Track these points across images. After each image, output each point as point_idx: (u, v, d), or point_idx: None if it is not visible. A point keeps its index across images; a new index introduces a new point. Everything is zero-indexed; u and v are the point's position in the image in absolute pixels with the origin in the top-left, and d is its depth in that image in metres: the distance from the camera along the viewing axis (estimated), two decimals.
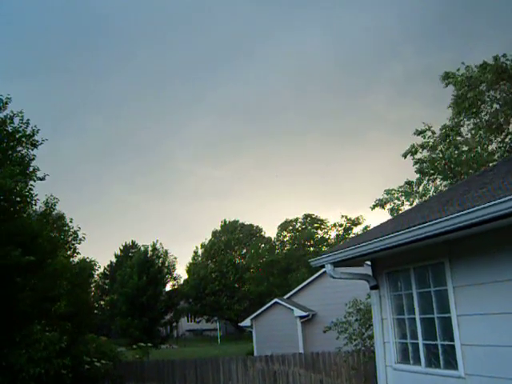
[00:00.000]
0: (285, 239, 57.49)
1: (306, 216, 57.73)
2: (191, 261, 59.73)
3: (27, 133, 16.24)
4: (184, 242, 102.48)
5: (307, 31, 43.47)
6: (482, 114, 18.26)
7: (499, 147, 18.18)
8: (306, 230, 55.93)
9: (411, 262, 6.96)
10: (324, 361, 12.80)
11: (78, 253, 18.19)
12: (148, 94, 58.54)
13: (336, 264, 7.72)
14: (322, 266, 8.10)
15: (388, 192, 19.83)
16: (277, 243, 57.51)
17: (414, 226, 5.95)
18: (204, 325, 59.92)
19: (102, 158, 66.75)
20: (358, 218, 54.53)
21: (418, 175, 19.23)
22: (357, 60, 47.67)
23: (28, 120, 16.31)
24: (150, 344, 20.24)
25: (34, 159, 16.59)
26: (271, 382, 13.58)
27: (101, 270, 58.07)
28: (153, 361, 17.94)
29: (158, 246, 50.16)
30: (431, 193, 18.53)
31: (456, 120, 18.69)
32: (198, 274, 54.34)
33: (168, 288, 52.29)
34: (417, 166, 19.10)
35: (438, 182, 19.02)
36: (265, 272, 50.87)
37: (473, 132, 18.41)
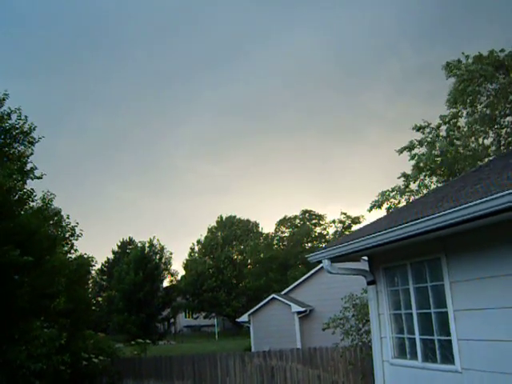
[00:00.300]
0: (283, 235, 57.59)
1: (304, 212, 57.80)
2: (188, 257, 59.79)
3: (24, 129, 16.20)
4: (182, 238, 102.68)
5: (306, 31, 43.42)
6: (479, 105, 18.31)
7: (494, 140, 18.23)
8: (304, 226, 56.01)
9: (408, 257, 6.99)
10: (321, 356, 12.83)
11: (76, 250, 18.21)
12: (146, 92, 58.58)
13: (333, 259, 7.74)
14: (320, 262, 8.12)
15: (383, 194, 19.87)
16: (274, 239, 57.60)
17: (407, 223, 5.97)
18: (202, 321, 59.97)
19: (99, 155, 66.70)
20: (358, 218, 54.56)
21: (415, 172, 19.24)
22: (354, 58, 47.75)
23: (26, 117, 16.29)
24: (148, 340, 20.24)
25: (32, 154, 16.59)
26: (269, 377, 13.62)
27: (98, 266, 58.29)
28: (150, 357, 17.94)
29: (154, 242, 50.29)
30: (426, 189, 18.55)
31: (453, 111, 18.76)
32: (195, 270, 54.37)
33: (165, 284, 52.41)
34: (413, 161, 19.13)
35: (434, 178, 19.04)
36: (263, 268, 50.98)
37: (469, 125, 18.43)
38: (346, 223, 55.46)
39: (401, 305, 7.33)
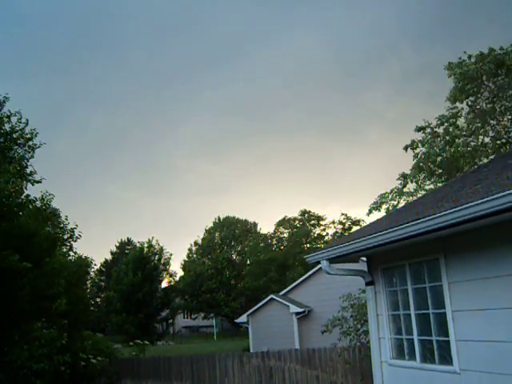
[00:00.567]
0: (282, 235, 57.55)
1: (303, 212, 57.77)
2: (186, 258, 59.77)
3: (25, 133, 16.27)
4: (182, 238, 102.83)
5: (306, 31, 43.49)
6: (479, 103, 18.38)
7: (493, 137, 18.28)
8: (304, 227, 55.96)
9: (406, 258, 6.99)
10: (320, 357, 12.82)
11: (75, 252, 18.23)
12: (146, 92, 58.64)
13: (332, 260, 7.72)
14: (318, 263, 8.11)
15: (382, 196, 19.91)
16: (273, 239, 57.56)
17: (408, 223, 5.96)
18: (200, 321, 59.96)
19: (98, 155, 66.76)
20: (358, 221, 54.51)
21: (415, 171, 19.31)
22: (354, 58, 47.82)
23: (27, 120, 16.35)
24: (146, 341, 20.22)
25: (32, 157, 16.64)
26: (267, 378, 13.61)
27: (96, 266, 58.14)
28: (149, 357, 17.92)
29: (153, 242, 50.23)
30: (423, 191, 18.60)
31: (452, 112, 18.83)
32: (194, 270, 54.34)
33: (164, 285, 52.37)
34: (415, 160, 19.21)
35: (433, 179, 19.10)
36: (262, 268, 50.96)
37: (468, 122, 18.49)
38: (346, 225, 55.41)
39: (399, 305, 7.32)
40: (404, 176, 19.74)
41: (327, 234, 56.96)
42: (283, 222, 57.87)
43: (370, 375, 8.36)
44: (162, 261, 51.04)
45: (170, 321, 52.98)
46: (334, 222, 56.79)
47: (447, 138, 18.61)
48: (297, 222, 57.49)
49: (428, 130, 19.39)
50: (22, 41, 41.15)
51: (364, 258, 8.28)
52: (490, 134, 18.50)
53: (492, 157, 17.42)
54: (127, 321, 42.58)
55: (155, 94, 59.08)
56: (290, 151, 76.50)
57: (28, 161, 16.66)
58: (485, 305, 5.70)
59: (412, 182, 19.44)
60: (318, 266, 20.57)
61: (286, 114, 64.20)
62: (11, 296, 13.55)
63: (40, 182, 16.88)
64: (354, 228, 54.09)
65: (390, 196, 19.82)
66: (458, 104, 18.70)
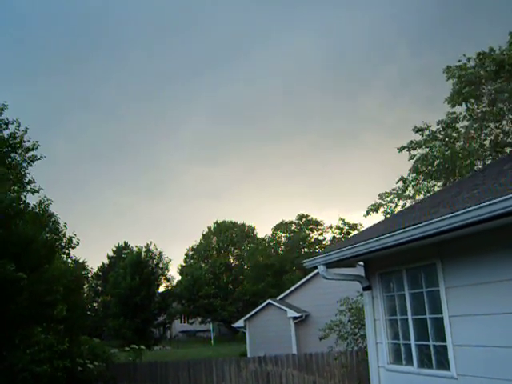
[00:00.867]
0: (279, 240, 57.52)
1: (301, 217, 57.76)
2: (183, 263, 59.66)
3: (24, 140, 16.35)
4: (179, 242, 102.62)
5: (304, 33, 43.63)
6: (478, 105, 18.44)
7: (492, 141, 18.33)
8: (301, 232, 55.95)
9: (404, 263, 6.99)
10: (317, 362, 12.80)
11: (73, 260, 18.30)
12: (145, 93, 58.64)
13: (329, 265, 7.73)
14: (315, 267, 8.12)
15: (381, 196, 19.93)
16: (271, 244, 57.52)
17: (405, 228, 5.97)
18: (197, 326, 59.79)
19: (95, 159, 66.64)
20: (355, 225, 54.54)
21: (413, 174, 19.34)
22: (354, 59, 47.92)
23: (26, 128, 16.47)
24: (142, 346, 20.14)
25: (31, 165, 16.73)
26: (264, 383, 13.58)
27: (93, 270, 57.97)
28: (146, 362, 17.87)
29: (151, 247, 50.07)
30: (421, 194, 18.63)
31: (452, 116, 18.89)
32: (191, 275, 54.24)
33: (162, 289, 52.18)
34: (411, 161, 19.26)
35: (431, 182, 19.12)
36: (260, 273, 50.91)
37: (467, 125, 18.56)
38: (344, 229, 55.42)
39: (396, 310, 7.32)
40: (403, 180, 19.77)
41: (325, 238, 57.01)
42: (280, 226, 57.85)
43: (368, 380, 8.36)
44: (161, 265, 50.85)
45: (167, 325, 52.84)
46: (331, 227, 56.85)
47: (446, 139, 18.68)
48: (294, 226, 57.48)
49: (427, 132, 19.44)
50: (21, 41, 41.18)
51: (361, 263, 8.29)
52: (489, 137, 18.55)
53: (489, 161, 17.49)
54: (124, 325, 42.44)
55: (155, 94, 59.09)
56: (288, 156, 76.61)
57: (26, 169, 16.82)
58: (482, 310, 5.70)
59: (411, 184, 19.46)
60: (316, 271, 20.57)
61: (285, 118, 64.32)
62: (9, 301, 13.53)
63: (38, 191, 17.35)
64: (352, 233, 54.13)
65: (389, 198, 19.85)
66: (457, 108, 18.75)
